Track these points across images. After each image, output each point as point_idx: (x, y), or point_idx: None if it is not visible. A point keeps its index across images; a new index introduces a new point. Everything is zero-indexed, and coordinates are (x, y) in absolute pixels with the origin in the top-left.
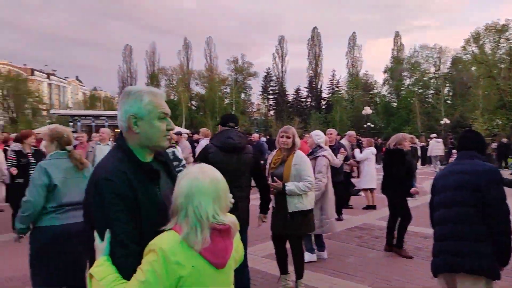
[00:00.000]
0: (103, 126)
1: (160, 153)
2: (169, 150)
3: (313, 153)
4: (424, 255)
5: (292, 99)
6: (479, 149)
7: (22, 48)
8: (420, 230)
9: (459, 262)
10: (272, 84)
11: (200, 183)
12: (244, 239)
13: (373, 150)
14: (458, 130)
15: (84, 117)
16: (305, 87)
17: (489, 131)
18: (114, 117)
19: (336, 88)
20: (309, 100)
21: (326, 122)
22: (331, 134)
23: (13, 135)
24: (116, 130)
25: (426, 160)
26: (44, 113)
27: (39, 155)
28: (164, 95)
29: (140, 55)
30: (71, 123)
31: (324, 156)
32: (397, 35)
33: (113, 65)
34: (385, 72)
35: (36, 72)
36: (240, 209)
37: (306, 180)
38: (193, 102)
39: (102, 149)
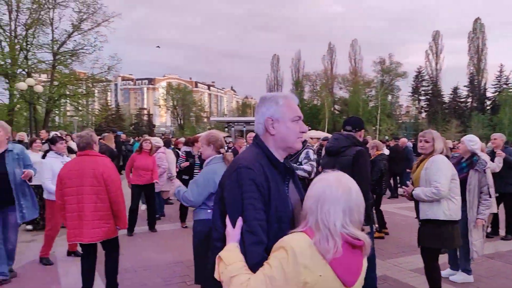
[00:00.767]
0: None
1: (286, 158)
2: (304, 150)
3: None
4: None
5: (448, 100)
6: None
7: (188, 63)
8: None
9: None
10: (424, 84)
11: (332, 191)
12: None
13: None
14: None
15: (237, 123)
16: (465, 86)
17: None
18: None
19: (504, 86)
20: (469, 100)
21: (492, 125)
22: (495, 139)
23: (181, 139)
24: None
25: None
26: (205, 120)
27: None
28: (297, 100)
29: (286, 63)
30: (226, 129)
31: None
32: None
33: (262, 74)
34: None
35: (199, 84)
36: None
37: (433, 185)
38: (336, 106)
39: None
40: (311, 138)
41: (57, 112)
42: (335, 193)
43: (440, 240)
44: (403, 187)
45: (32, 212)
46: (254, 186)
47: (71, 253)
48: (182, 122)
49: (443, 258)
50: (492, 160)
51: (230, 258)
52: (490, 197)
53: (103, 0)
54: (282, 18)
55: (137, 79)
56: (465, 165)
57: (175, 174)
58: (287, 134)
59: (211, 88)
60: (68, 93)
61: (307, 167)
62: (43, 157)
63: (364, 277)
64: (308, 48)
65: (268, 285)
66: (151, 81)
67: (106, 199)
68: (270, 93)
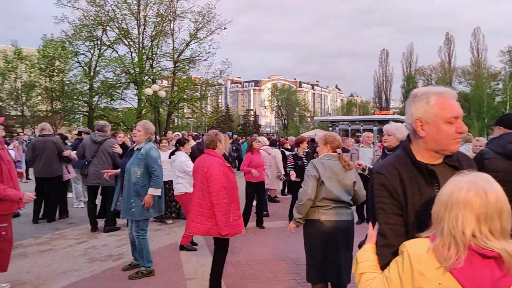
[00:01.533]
0: (358, 131)
1: (452, 157)
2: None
3: None
4: None
5: None
6: None
7: (292, 64)
8: None
9: None
10: None
11: (462, 194)
12: None
13: None
14: None
15: (341, 122)
16: None
17: None
18: (368, 122)
19: None
20: None
21: None
22: None
23: (290, 138)
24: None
25: None
26: (309, 119)
27: (310, 156)
28: (456, 94)
29: (396, 58)
30: (330, 128)
31: None
32: None
33: (369, 71)
34: None
35: (303, 84)
36: None
37: None
38: None
39: (365, 152)
40: None
41: (177, 114)
42: (464, 196)
43: None
44: None
45: (140, 212)
46: (384, 191)
47: (183, 247)
48: (286, 122)
49: None
50: None
51: (362, 257)
52: None
53: (216, 8)
54: (390, 11)
55: (245, 82)
56: None
57: (283, 172)
58: (439, 137)
59: (315, 87)
60: (185, 97)
61: None
62: (169, 156)
63: None
64: (421, 41)
65: (386, 287)
66: (257, 83)
67: (208, 197)
68: (423, 88)
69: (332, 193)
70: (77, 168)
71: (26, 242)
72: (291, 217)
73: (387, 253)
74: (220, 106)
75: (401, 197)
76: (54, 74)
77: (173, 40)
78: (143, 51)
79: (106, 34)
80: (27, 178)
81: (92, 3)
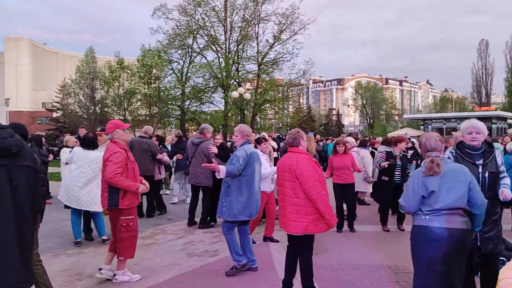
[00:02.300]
0: (455, 129)
1: None
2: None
3: None
4: None
5: None
6: None
7: (378, 60)
8: None
9: None
10: None
11: None
12: None
13: None
14: None
15: (434, 120)
16: None
17: None
18: (465, 119)
19: None
20: None
21: None
22: None
23: (378, 139)
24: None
25: None
26: (396, 118)
27: (405, 160)
28: None
29: (497, 48)
30: (422, 126)
31: None
32: None
33: (466, 63)
34: None
35: (390, 81)
36: None
37: None
38: None
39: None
40: None
41: (261, 116)
42: None
43: None
44: None
45: (230, 213)
46: None
47: (266, 238)
48: (371, 121)
49: None
50: None
51: (504, 274)
52: None
53: (299, 9)
54: None
55: (327, 81)
56: None
57: (371, 174)
58: None
59: (403, 83)
60: (269, 98)
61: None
62: None
63: None
64: None
65: None
66: (340, 81)
67: (300, 194)
68: None
69: (439, 200)
70: (180, 169)
71: None
72: (383, 221)
73: None
74: (301, 106)
75: None
76: (152, 81)
77: (257, 43)
78: (230, 55)
79: (196, 42)
80: None
81: (184, 13)
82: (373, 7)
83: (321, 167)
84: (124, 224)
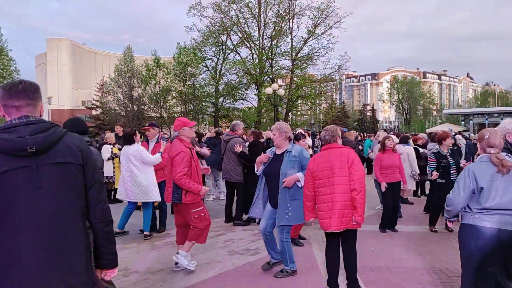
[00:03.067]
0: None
1: None
2: None
3: None
4: None
5: None
6: None
7: (415, 54)
8: None
9: None
10: None
11: None
12: None
13: None
14: None
15: (476, 115)
16: None
17: None
18: (510, 114)
19: None
20: None
21: None
22: None
23: (421, 135)
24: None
25: None
26: (435, 113)
27: (456, 154)
28: None
29: None
30: (463, 122)
31: None
32: None
33: (509, 55)
34: None
35: (428, 75)
36: None
37: None
38: None
39: None
40: None
41: (294, 112)
42: None
43: None
44: None
45: (296, 217)
46: None
47: (292, 240)
48: (408, 116)
49: None
50: None
51: None
52: None
53: (335, 2)
54: None
55: (361, 76)
56: None
57: (418, 171)
58: None
59: (442, 77)
60: (303, 94)
61: None
62: None
63: None
64: None
65: None
66: (374, 76)
67: (349, 189)
68: None
69: (490, 199)
70: (208, 165)
71: (173, 232)
72: (433, 221)
73: None
74: (335, 102)
75: None
76: (187, 78)
77: (292, 39)
78: (263, 51)
79: (230, 38)
80: None
81: (218, 10)
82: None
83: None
84: (196, 216)
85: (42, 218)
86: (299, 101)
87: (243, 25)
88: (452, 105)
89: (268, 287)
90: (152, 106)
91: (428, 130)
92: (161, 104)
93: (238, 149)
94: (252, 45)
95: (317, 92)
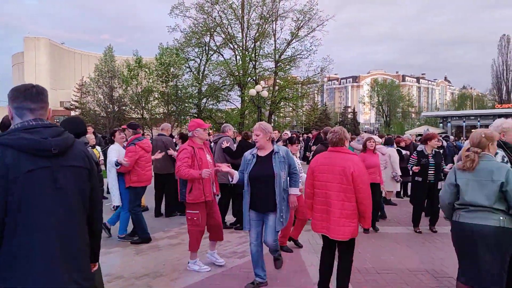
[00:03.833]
0: (475, 127)
1: None
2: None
3: None
4: None
5: None
6: None
7: (394, 57)
8: None
9: None
10: None
11: None
12: None
13: None
14: None
15: (453, 118)
16: None
17: None
18: (488, 116)
19: None
20: None
21: None
22: None
23: (405, 137)
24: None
25: None
26: (413, 115)
27: (439, 157)
28: None
29: None
30: (441, 124)
31: None
32: None
33: (485, 60)
34: None
35: (407, 78)
36: None
37: None
38: None
39: None
40: None
41: (278, 113)
42: None
43: None
44: None
45: (287, 218)
46: None
47: (291, 239)
48: (388, 118)
49: None
50: None
51: None
52: None
53: (318, 4)
54: None
55: (342, 78)
56: None
57: (399, 173)
58: None
59: (421, 80)
60: (287, 96)
61: None
62: None
63: None
64: None
65: None
66: (355, 79)
67: (353, 198)
68: None
69: (467, 195)
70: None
71: (157, 235)
72: (415, 222)
73: None
74: (317, 104)
75: None
76: (169, 79)
77: (275, 40)
78: (247, 53)
79: (213, 39)
80: None
81: (201, 11)
82: (392, 3)
83: None
84: (189, 218)
85: (56, 217)
86: (281, 103)
87: (226, 26)
88: (431, 108)
89: None
90: (133, 107)
91: (407, 132)
92: (143, 105)
93: (225, 144)
94: (236, 46)
95: (300, 94)
